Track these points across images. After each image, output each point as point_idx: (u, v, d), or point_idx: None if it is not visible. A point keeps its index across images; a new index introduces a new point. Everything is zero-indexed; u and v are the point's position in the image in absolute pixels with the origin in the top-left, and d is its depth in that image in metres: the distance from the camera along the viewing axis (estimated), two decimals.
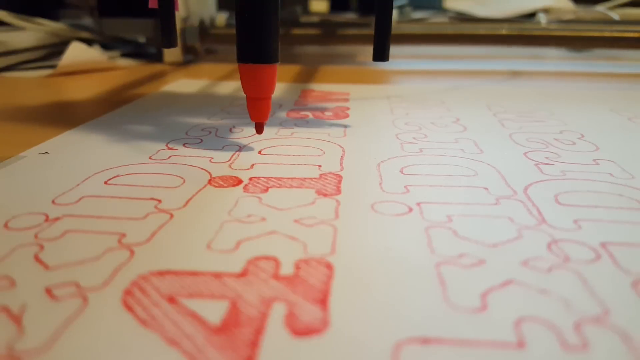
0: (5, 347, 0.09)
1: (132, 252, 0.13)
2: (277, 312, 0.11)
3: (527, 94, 0.34)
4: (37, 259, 0.13)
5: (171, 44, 0.21)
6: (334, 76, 0.42)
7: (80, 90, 0.36)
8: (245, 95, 0.20)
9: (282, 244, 0.13)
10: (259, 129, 0.21)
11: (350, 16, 0.71)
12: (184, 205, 0.16)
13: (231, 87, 0.37)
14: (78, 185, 0.17)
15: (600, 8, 0.54)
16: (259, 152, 0.21)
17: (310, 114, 0.28)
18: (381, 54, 0.23)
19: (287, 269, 0.12)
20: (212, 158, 0.20)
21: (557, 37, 0.44)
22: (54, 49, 0.48)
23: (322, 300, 0.11)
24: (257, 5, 0.19)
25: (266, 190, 0.17)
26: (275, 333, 0.10)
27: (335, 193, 0.17)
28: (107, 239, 0.14)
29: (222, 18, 0.52)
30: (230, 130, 0.25)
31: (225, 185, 0.18)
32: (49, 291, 0.11)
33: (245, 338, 0.10)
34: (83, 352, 0.09)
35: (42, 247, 0.13)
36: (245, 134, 0.24)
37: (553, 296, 0.11)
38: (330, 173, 0.19)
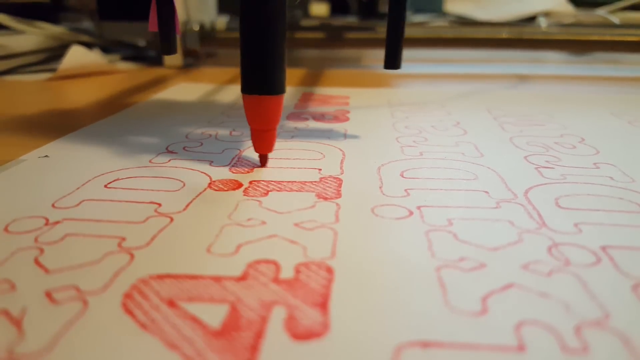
0: (6, 351, 0.09)
1: (132, 256, 0.13)
2: (277, 315, 0.11)
3: (527, 98, 0.34)
4: (37, 262, 0.13)
5: (171, 50, 0.21)
6: (334, 80, 0.42)
7: (80, 93, 0.36)
8: (249, 124, 0.19)
9: (282, 248, 0.13)
10: (264, 161, 0.20)
11: (350, 20, 0.72)
12: (184, 209, 0.16)
13: (231, 91, 0.37)
14: (78, 188, 0.17)
15: (601, 12, 0.55)
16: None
17: (310, 118, 0.28)
18: (393, 62, 0.22)
19: (287, 273, 0.12)
20: (212, 161, 0.20)
21: (557, 41, 0.44)
22: (54, 53, 0.49)
23: (322, 304, 0.11)
24: (263, 35, 0.18)
25: (266, 193, 0.17)
26: (275, 337, 0.10)
27: (336, 196, 0.17)
28: (107, 242, 0.14)
29: (222, 22, 0.53)
30: (231, 133, 0.25)
31: (226, 188, 0.18)
32: (49, 295, 0.11)
33: (245, 342, 0.10)
34: (83, 355, 0.09)
35: (42, 251, 0.13)
36: (246, 137, 0.24)
37: (553, 300, 0.11)
38: (330, 176, 0.19)
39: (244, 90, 0.19)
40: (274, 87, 0.18)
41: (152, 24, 0.21)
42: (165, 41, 0.21)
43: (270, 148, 0.20)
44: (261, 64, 0.18)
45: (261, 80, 0.18)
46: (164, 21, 0.20)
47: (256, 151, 0.20)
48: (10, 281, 0.12)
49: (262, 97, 0.18)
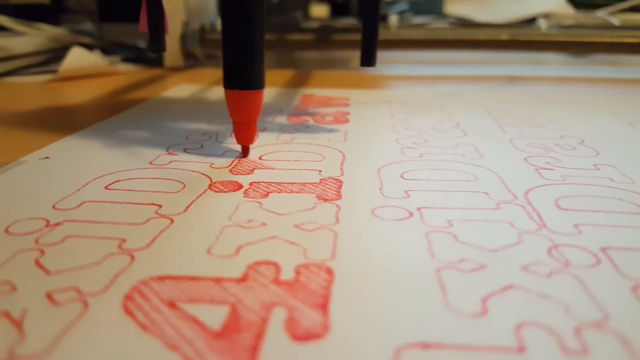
0: (6, 352, 0.09)
1: (132, 257, 0.13)
2: (277, 317, 0.11)
3: (527, 99, 0.34)
4: (37, 264, 0.13)
5: (160, 48, 0.22)
6: (334, 81, 0.42)
7: (80, 95, 0.36)
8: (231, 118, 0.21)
9: (283, 249, 0.13)
10: (245, 152, 0.21)
11: (350, 21, 0.72)
12: (185, 211, 0.16)
13: None
14: (79, 190, 0.17)
15: (601, 13, 0.55)
16: (260, 158, 0.21)
17: (310, 119, 0.28)
18: (368, 59, 0.24)
19: (287, 274, 0.12)
20: (213, 163, 0.20)
21: (557, 42, 0.44)
22: (55, 54, 0.49)
23: (323, 305, 0.11)
24: (242, 33, 0.19)
25: (266, 195, 0.17)
26: (276, 338, 0.10)
27: (336, 198, 0.17)
28: (107, 244, 0.14)
29: None
30: (231, 135, 0.25)
31: (226, 190, 0.18)
32: (49, 296, 0.11)
33: (245, 343, 0.10)
34: (83, 356, 0.09)
35: (42, 252, 0.13)
36: None
37: (553, 301, 0.11)
38: (330, 178, 0.19)
39: (226, 85, 0.20)
40: (254, 83, 0.20)
41: (143, 25, 0.21)
42: (154, 40, 0.22)
43: (251, 140, 0.21)
44: (241, 61, 0.20)
45: (241, 76, 0.20)
46: (153, 21, 0.21)
47: (238, 142, 0.21)
48: (11, 282, 0.12)
49: (243, 91, 0.20)
